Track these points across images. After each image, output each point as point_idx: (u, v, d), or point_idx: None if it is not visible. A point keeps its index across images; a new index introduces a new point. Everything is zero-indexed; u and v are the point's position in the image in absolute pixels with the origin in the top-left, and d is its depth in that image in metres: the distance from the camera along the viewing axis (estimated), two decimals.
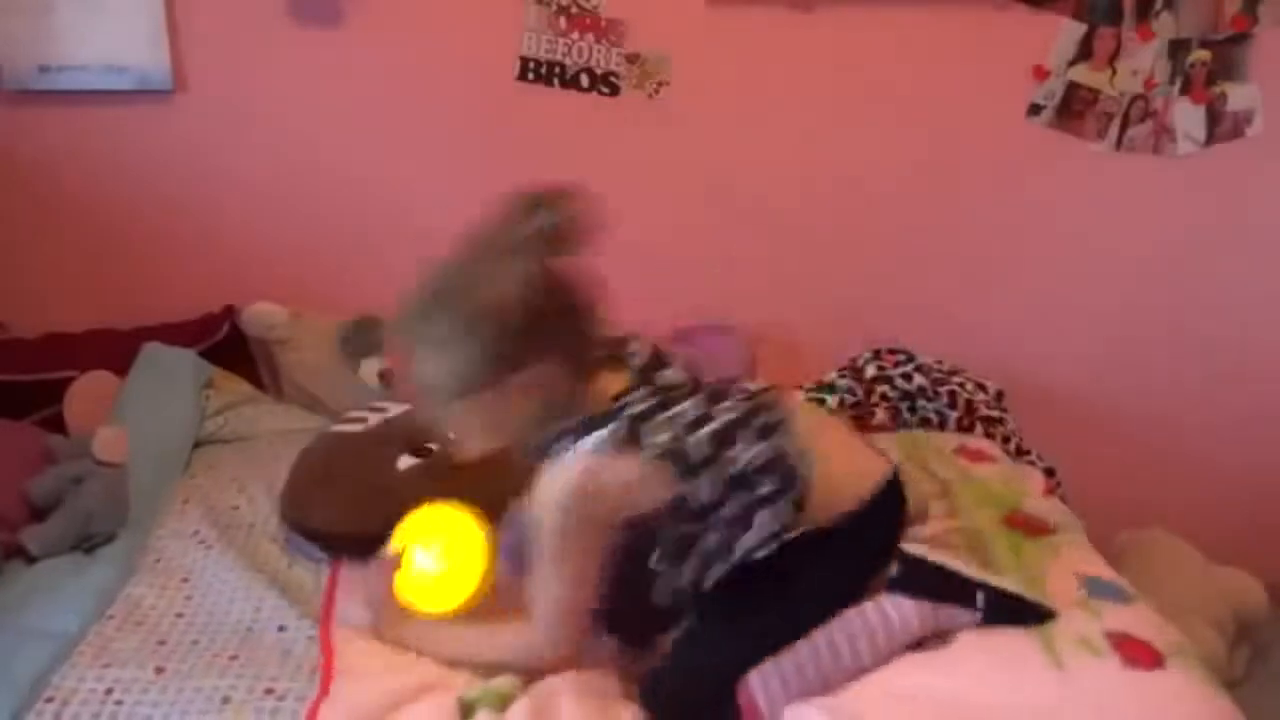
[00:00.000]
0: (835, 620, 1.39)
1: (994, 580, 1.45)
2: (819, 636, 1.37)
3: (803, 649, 1.36)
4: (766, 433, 1.36)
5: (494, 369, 1.25)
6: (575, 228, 1.28)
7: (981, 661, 1.37)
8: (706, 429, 1.32)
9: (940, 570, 1.45)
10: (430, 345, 1.27)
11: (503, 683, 1.34)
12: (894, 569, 1.46)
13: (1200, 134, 2.33)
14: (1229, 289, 2.45)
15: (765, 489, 1.33)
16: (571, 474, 1.27)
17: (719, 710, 1.33)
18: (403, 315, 1.28)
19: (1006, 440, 2.09)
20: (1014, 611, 1.42)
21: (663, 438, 1.29)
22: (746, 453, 1.32)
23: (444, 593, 1.46)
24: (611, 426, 1.29)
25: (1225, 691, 1.35)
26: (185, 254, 2.31)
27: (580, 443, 1.28)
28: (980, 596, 1.42)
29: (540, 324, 1.25)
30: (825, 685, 1.35)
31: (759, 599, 1.40)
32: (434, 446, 1.76)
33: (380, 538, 1.63)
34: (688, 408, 1.34)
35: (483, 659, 1.39)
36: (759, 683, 1.33)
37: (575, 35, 2.23)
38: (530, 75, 2.25)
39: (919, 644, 1.42)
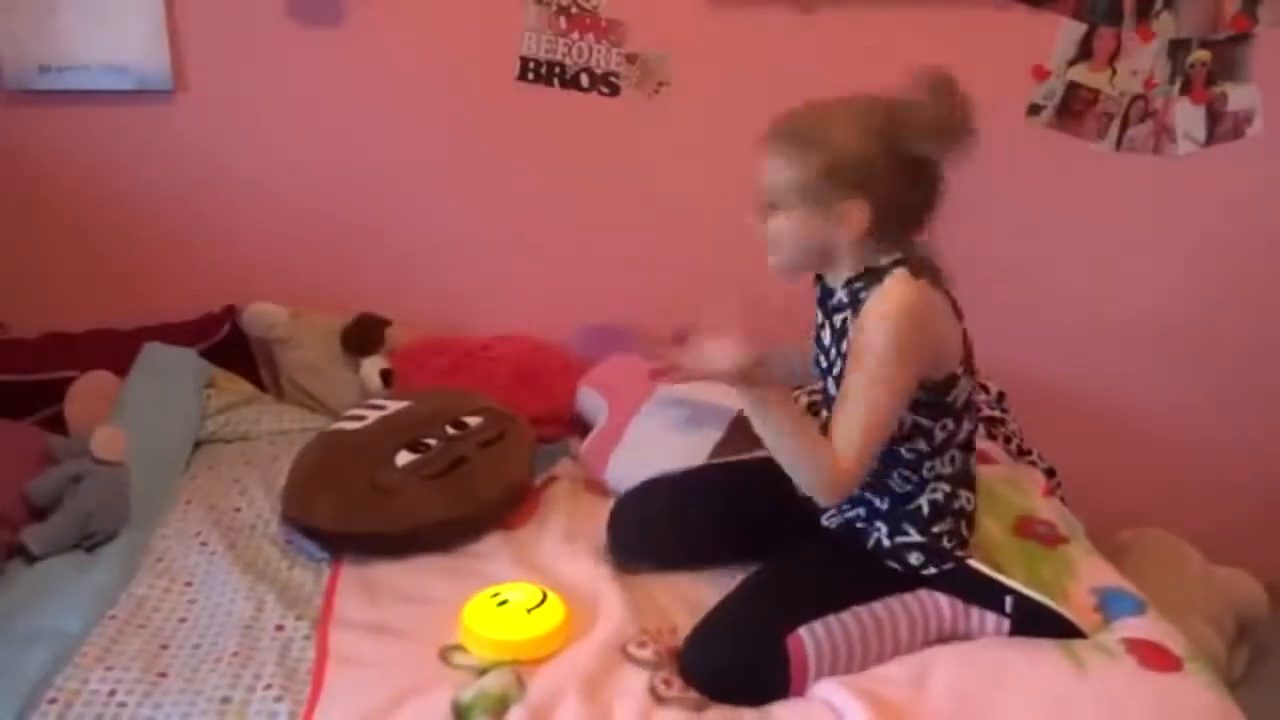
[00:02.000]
0: (878, 603, 1.44)
1: (1026, 590, 1.47)
2: (862, 610, 1.43)
3: (848, 617, 1.41)
4: None
5: (820, 186, 1.38)
6: (959, 129, 1.41)
7: (1002, 655, 1.39)
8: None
9: (974, 572, 1.47)
10: (794, 144, 1.42)
11: (495, 684, 1.33)
12: (930, 567, 1.48)
13: (1200, 134, 2.33)
14: (1229, 289, 2.45)
15: None
16: (911, 288, 1.37)
17: (762, 662, 1.37)
18: (790, 114, 1.46)
19: (1008, 440, 2.09)
20: (1043, 622, 1.44)
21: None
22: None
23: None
24: (927, 264, 1.41)
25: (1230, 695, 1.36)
26: (185, 254, 2.30)
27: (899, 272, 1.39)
28: (1009, 601, 1.43)
29: (892, 166, 1.37)
30: (864, 657, 1.40)
31: (828, 575, 1.48)
32: (432, 442, 1.76)
33: (380, 535, 1.63)
34: None
35: (792, 460, 1.38)
36: (808, 635, 1.38)
37: (575, 35, 2.23)
38: (530, 75, 2.25)
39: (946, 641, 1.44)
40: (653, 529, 1.65)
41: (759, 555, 1.57)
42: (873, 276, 1.41)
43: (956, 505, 1.50)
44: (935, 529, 1.49)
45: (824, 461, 1.35)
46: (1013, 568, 1.59)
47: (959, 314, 1.45)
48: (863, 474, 1.37)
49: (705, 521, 1.65)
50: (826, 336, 1.52)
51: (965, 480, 1.52)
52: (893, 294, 1.37)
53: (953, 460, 1.49)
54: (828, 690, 1.34)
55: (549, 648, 1.41)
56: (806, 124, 1.43)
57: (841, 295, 1.46)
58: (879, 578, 1.48)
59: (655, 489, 1.71)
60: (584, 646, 1.42)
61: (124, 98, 2.18)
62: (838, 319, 1.47)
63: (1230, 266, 2.44)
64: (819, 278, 1.56)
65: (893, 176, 1.38)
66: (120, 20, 2.11)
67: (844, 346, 1.44)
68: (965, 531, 1.52)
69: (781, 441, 1.38)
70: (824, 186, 1.38)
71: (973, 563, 1.51)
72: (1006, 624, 1.44)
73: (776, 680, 1.36)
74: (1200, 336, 2.49)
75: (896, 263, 1.40)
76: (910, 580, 1.48)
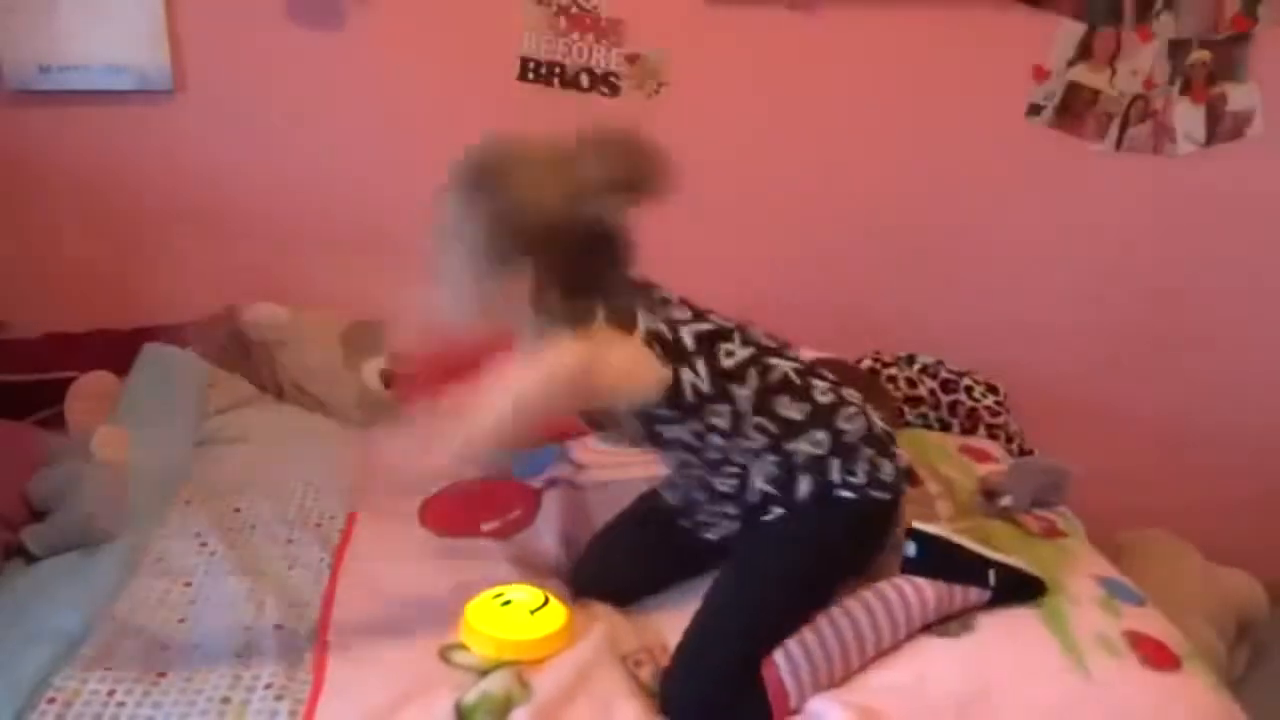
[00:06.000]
0: (853, 598, 1.40)
1: (1003, 558, 1.48)
2: (838, 614, 1.39)
3: (824, 627, 1.38)
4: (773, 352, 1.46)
5: (500, 255, 1.33)
6: (644, 183, 1.37)
7: (1003, 658, 1.38)
8: (701, 326, 1.42)
9: (955, 548, 1.46)
10: (461, 209, 1.36)
11: (498, 685, 1.33)
12: (910, 548, 1.47)
13: (1200, 134, 2.33)
14: (1229, 289, 2.45)
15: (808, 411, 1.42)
16: (586, 345, 1.34)
17: (741, 695, 1.34)
18: (454, 174, 1.38)
19: (1010, 440, 2.09)
20: (1017, 587, 1.45)
21: (656, 324, 1.39)
22: (741, 352, 1.42)
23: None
24: (612, 307, 1.38)
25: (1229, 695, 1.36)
26: (185, 254, 2.30)
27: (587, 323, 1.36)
28: (992, 575, 1.44)
29: (557, 239, 1.33)
30: (847, 666, 1.37)
31: (787, 562, 1.43)
32: None
33: None
34: (690, 316, 1.44)
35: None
36: (784, 663, 1.35)
37: (575, 35, 2.23)
38: (530, 75, 2.25)
39: (940, 622, 1.43)
40: (601, 590, 1.60)
41: (708, 566, 1.53)
42: None
43: (803, 458, 1.43)
44: (800, 495, 1.43)
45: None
46: (1009, 551, 1.58)
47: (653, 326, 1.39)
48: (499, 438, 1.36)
49: (646, 563, 1.62)
50: None
51: (801, 427, 1.43)
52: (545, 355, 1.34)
53: (760, 428, 1.42)
54: (820, 708, 1.33)
55: (550, 649, 1.41)
56: (487, 164, 1.36)
57: None
58: (841, 555, 1.45)
59: (621, 534, 1.68)
60: (584, 650, 1.42)
61: (124, 98, 2.18)
62: None
63: (1231, 267, 2.44)
64: None
65: (566, 242, 1.34)
66: (120, 20, 2.11)
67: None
68: (850, 460, 1.44)
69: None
70: (493, 241, 1.34)
71: (951, 535, 1.49)
72: (987, 595, 1.45)
73: (757, 711, 1.34)
74: (1201, 337, 2.49)
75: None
76: (869, 532, 1.45)
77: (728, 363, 1.40)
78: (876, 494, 1.44)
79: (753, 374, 1.41)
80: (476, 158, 1.36)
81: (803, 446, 1.42)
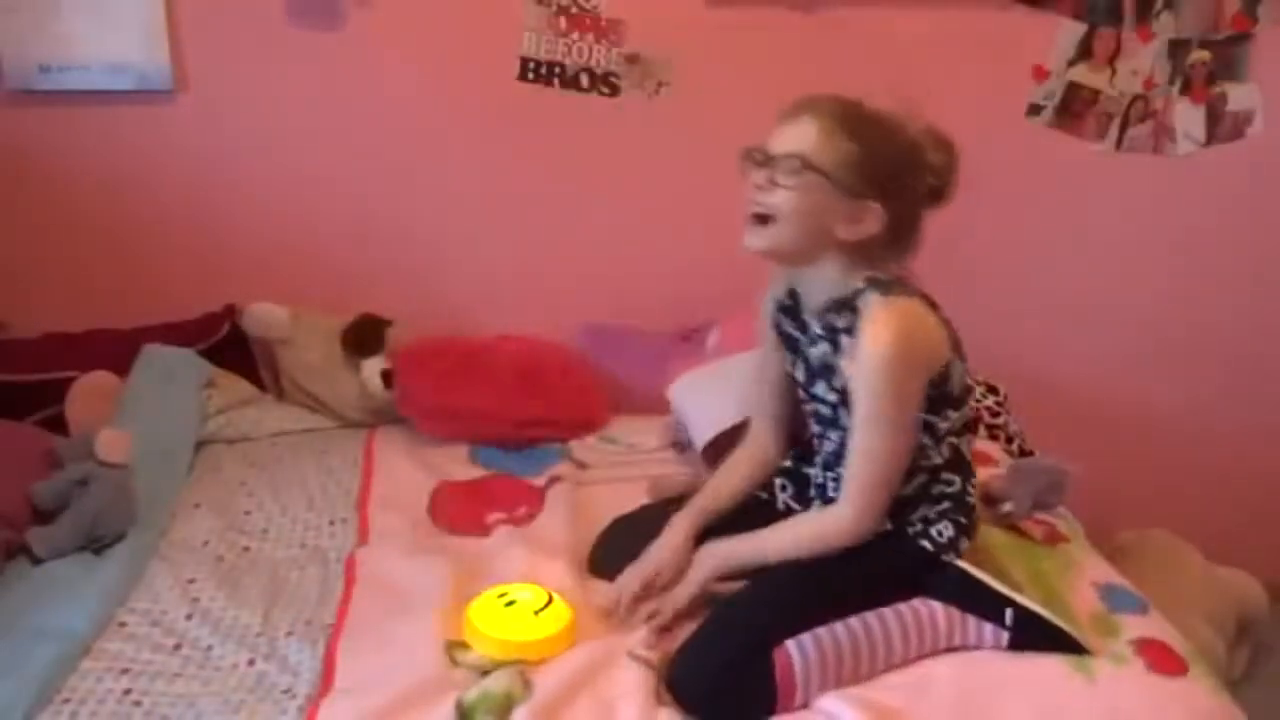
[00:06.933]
0: (870, 612, 1.41)
1: (1027, 602, 1.44)
2: (854, 621, 1.40)
3: (839, 628, 1.38)
4: None
5: (856, 176, 1.39)
6: (946, 191, 1.47)
7: (1007, 660, 1.38)
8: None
9: (974, 582, 1.46)
10: (847, 123, 1.41)
11: (499, 684, 1.33)
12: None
13: (1200, 134, 2.33)
14: (1229, 289, 2.46)
15: None
16: (894, 313, 1.38)
17: (750, 680, 1.34)
18: (831, 97, 1.44)
19: (1010, 441, 2.09)
20: (1044, 636, 1.42)
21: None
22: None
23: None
24: (910, 288, 1.44)
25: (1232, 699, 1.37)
26: (185, 254, 2.30)
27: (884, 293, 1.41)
28: (1009, 614, 1.42)
29: (913, 187, 1.42)
30: (856, 670, 1.37)
31: (815, 578, 1.45)
32: None
33: None
34: None
35: (796, 553, 1.44)
36: (796, 650, 1.34)
37: (575, 35, 2.23)
38: (530, 75, 2.25)
39: (951, 650, 1.43)
40: (616, 571, 1.59)
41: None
42: (850, 309, 1.43)
43: (935, 490, 1.50)
44: (911, 518, 1.48)
45: (826, 530, 1.44)
46: (1013, 565, 1.59)
47: (934, 305, 1.46)
48: (880, 517, 1.43)
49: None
50: (800, 370, 1.56)
51: (955, 465, 1.51)
52: (881, 328, 1.37)
53: (950, 448, 1.49)
54: (831, 706, 1.32)
55: (554, 649, 1.41)
56: (859, 112, 1.43)
57: (816, 328, 1.50)
58: (870, 577, 1.46)
59: (643, 516, 1.69)
60: (587, 648, 1.42)
61: (124, 98, 2.18)
62: (815, 352, 1.51)
63: (1231, 266, 2.44)
64: (786, 308, 1.59)
65: (913, 199, 1.42)
66: (120, 20, 2.11)
67: (835, 380, 1.48)
68: (947, 517, 1.50)
69: (769, 556, 1.46)
70: (861, 176, 1.39)
71: (972, 569, 1.48)
72: (1005, 636, 1.41)
73: (763, 698, 1.33)
74: (1201, 336, 2.49)
75: (870, 283, 1.43)
76: (906, 574, 1.46)
77: (967, 380, 1.49)
78: (946, 558, 1.48)
79: (970, 402, 1.54)
80: (850, 102, 1.44)
81: (944, 480, 1.50)
